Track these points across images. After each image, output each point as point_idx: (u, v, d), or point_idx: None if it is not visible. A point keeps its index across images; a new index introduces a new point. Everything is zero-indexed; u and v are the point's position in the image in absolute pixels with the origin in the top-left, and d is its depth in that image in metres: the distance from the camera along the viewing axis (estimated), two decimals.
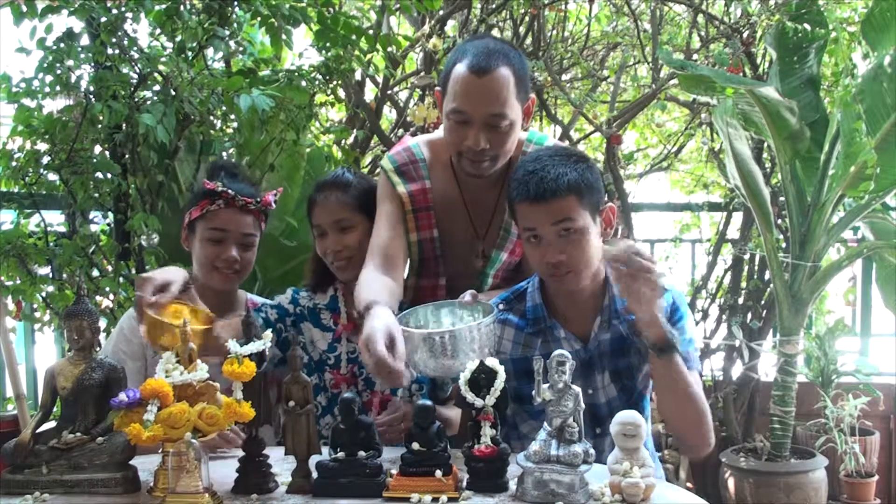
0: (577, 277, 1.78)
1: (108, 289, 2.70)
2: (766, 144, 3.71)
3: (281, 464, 1.66)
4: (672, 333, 1.69)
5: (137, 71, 2.56)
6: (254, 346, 1.58)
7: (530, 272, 1.95)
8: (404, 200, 2.02)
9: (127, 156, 2.64)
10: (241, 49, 2.77)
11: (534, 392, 1.50)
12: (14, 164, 2.63)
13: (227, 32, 2.60)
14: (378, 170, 3.39)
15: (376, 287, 1.83)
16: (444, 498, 1.48)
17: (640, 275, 1.62)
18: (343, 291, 2.10)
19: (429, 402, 1.57)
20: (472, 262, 2.08)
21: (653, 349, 1.71)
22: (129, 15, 2.51)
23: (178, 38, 2.58)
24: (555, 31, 3.89)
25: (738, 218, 4.06)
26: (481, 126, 1.86)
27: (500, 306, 1.89)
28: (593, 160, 1.92)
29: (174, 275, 1.81)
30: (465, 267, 2.09)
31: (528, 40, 3.73)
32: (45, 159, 2.63)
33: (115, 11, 2.47)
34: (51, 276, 2.73)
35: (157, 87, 2.59)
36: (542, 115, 3.83)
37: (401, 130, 3.61)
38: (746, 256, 3.98)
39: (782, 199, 3.60)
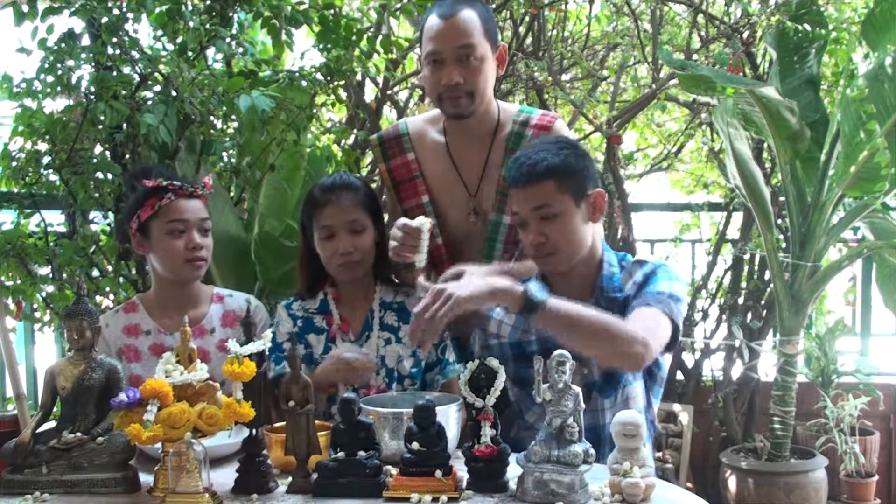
0: (561, 259, 1.82)
1: (108, 289, 2.70)
2: (766, 144, 3.71)
3: None
4: (526, 290, 1.65)
5: (138, 71, 2.55)
6: (254, 346, 1.58)
7: None
8: (385, 179, 2.24)
9: (128, 156, 2.64)
10: (241, 50, 2.76)
11: (533, 392, 1.51)
12: (14, 164, 2.63)
13: (228, 34, 2.60)
14: (377, 171, 3.42)
15: None
16: (444, 498, 1.49)
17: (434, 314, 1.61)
18: (334, 295, 2.11)
19: (430, 402, 1.57)
20: (468, 221, 2.17)
21: (525, 315, 1.67)
22: (131, 15, 2.51)
23: (180, 39, 2.58)
24: (555, 31, 3.88)
25: (738, 218, 4.06)
26: (453, 62, 2.01)
27: None
28: (586, 148, 1.93)
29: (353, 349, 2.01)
30: (464, 228, 2.19)
31: (528, 40, 3.73)
32: (46, 159, 2.62)
33: (116, 12, 2.47)
34: (51, 276, 2.73)
35: (157, 88, 2.59)
36: None
37: None
38: (746, 256, 3.97)
39: (782, 199, 3.60)
